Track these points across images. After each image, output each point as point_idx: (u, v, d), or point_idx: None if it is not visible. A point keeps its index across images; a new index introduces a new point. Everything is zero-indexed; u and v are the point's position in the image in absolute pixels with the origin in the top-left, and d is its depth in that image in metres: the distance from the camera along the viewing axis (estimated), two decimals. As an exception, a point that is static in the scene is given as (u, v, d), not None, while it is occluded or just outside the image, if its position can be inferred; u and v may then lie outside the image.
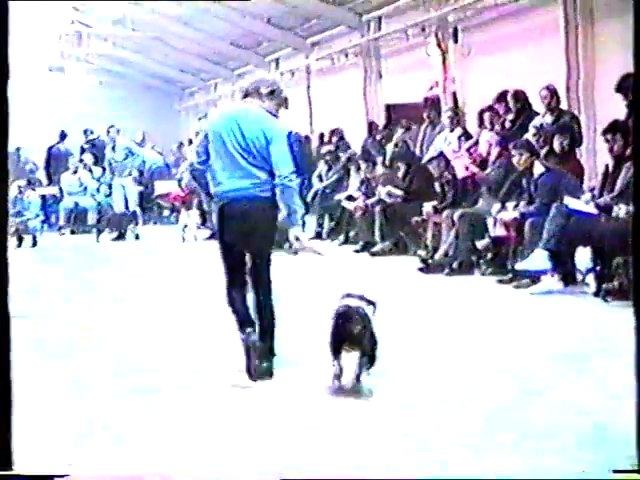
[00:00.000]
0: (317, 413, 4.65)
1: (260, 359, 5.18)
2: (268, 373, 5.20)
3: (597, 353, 5.76)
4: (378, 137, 15.29)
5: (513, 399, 4.80)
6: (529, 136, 9.47)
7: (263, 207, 5.40)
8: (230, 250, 5.44)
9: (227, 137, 5.36)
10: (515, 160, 9.07)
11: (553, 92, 9.94)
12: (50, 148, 19.21)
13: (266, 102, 5.43)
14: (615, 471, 3.51)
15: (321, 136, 18.72)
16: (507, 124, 10.45)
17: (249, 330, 5.25)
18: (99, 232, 15.36)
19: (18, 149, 19.10)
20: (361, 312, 5.00)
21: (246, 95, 5.51)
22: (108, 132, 15.52)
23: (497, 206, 9.25)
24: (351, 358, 4.93)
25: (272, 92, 5.46)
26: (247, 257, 5.42)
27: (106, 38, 26.41)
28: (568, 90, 12.25)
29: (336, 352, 4.94)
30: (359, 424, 4.43)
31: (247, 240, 5.38)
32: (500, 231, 9.06)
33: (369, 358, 4.96)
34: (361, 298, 5.07)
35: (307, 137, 19.16)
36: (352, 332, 4.93)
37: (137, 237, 14.94)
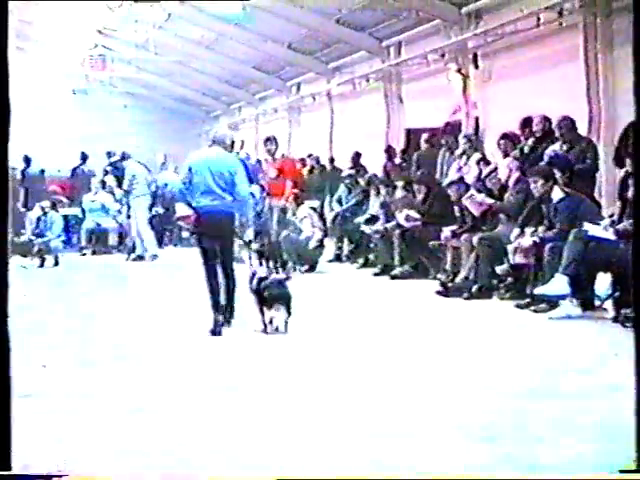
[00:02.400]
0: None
1: (225, 316, 7.75)
2: (228, 323, 7.78)
3: (613, 380, 5.74)
4: (398, 161, 15.34)
5: (526, 418, 4.82)
6: (544, 163, 9.49)
7: (227, 218, 7.98)
8: (207, 244, 7.90)
9: (204, 172, 7.87)
10: (532, 187, 9.11)
11: (568, 122, 9.91)
12: (73, 170, 19.41)
13: (228, 148, 8.19)
14: (621, 471, 3.52)
15: (340, 160, 18.82)
16: (526, 149, 10.47)
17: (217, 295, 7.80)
18: (128, 253, 15.48)
19: (42, 171, 19.27)
20: (280, 280, 7.68)
21: (214, 143, 8.08)
22: (124, 157, 15.77)
23: (516, 231, 9.25)
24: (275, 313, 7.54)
25: (233, 142, 8.48)
26: (217, 248, 7.87)
27: (130, 62, 26.67)
28: (590, 117, 12.27)
29: (262, 308, 7.59)
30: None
31: (218, 238, 7.88)
32: (519, 258, 9.05)
33: (287, 310, 7.52)
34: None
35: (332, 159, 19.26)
36: (273, 293, 7.54)
37: (155, 257, 15.05)
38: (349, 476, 3.89)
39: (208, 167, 7.88)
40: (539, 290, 8.38)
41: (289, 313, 7.57)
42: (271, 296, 7.58)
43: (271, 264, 8.27)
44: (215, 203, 7.84)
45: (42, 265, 14.39)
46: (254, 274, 7.83)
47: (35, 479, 3.64)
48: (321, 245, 12.99)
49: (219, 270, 7.92)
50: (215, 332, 7.65)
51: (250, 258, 8.31)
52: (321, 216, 14.29)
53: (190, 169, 7.94)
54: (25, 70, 25.14)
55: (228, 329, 7.80)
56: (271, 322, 7.60)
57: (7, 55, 3.47)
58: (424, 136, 13.78)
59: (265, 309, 7.62)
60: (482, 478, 3.77)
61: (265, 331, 7.62)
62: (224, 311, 7.84)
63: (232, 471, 4.08)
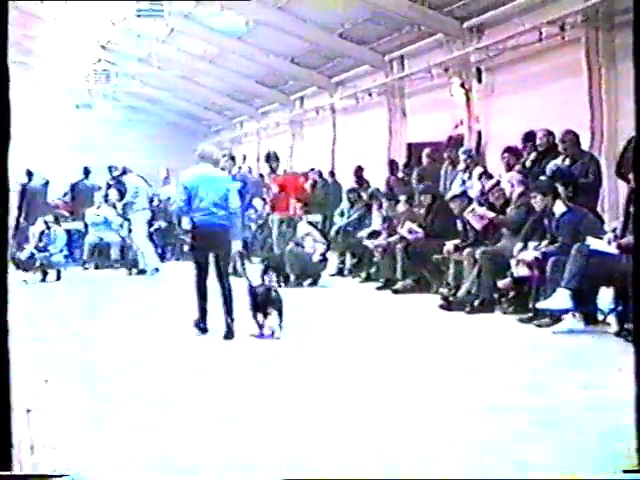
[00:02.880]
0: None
1: (227, 323, 8.15)
2: (231, 332, 8.15)
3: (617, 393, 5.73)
4: (400, 175, 15.36)
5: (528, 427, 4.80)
6: (545, 177, 9.49)
7: (222, 230, 8.38)
8: (200, 256, 8.47)
9: (200, 188, 8.34)
10: (532, 201, 9.12)
11: (572, 136, 9.90)
12: (76, 184, 19.41)
13: (216, 163, 8.71)
14: (625, 471, 3.51)
15: (342, 174, 18.84)
16: (528, 163, 10.47)
17: (203, 300, 8.34)
18: (129, 267, 15.48)
19: (46, 184, 19.27)
20: (270, 287, 8.49)
21: (202, 159, 8.55)
22: (124, 172, 15.83)
23: (519, 245, 9.24)
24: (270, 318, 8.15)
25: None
26: (212, 259, 8.36)
27: (133, 76, 26.75)
28: (592, 132, 12.27)
29: (255, 314, 8.15)
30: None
31: (214, 249, 8.36)
32: (523, 271, 9.03)
33: (279, 313, 8.09)
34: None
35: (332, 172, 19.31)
36: (267, 300, 8.11)
37: (156, 271, 15.05)
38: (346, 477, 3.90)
39: (201, 183, 8.40)
40: (542, 304, 8.37)
41: (281, 317, 8.11)
42: (263, 300, 8.17)
43: (273, 277, 8.48)
44: (208, 217, 8.35)
45: (44, 279, 14.39)
46: (250, 284, 8.36)
47: (35, 479, 3.63)
48: (324, 259, 12.98)
49: (216, 280, 8.37)
50: (201, 329, 8.33)
51: (244, 269, 8.83)
52: (322, 230, 14.29)
53: (185, 187, 8.48)
54: (29, 84, 25.26)
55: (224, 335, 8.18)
56: (263, 326, 8.15)
57: (7, 65, 3.46)
58: (426, 151, 13.82)
59: (258, 314, 8.18)
60: (483, 478, 3.77)
61: (260, 335, 8.09)
62: (227, 320, 8.22)
63: (228, 475, 4.09)
